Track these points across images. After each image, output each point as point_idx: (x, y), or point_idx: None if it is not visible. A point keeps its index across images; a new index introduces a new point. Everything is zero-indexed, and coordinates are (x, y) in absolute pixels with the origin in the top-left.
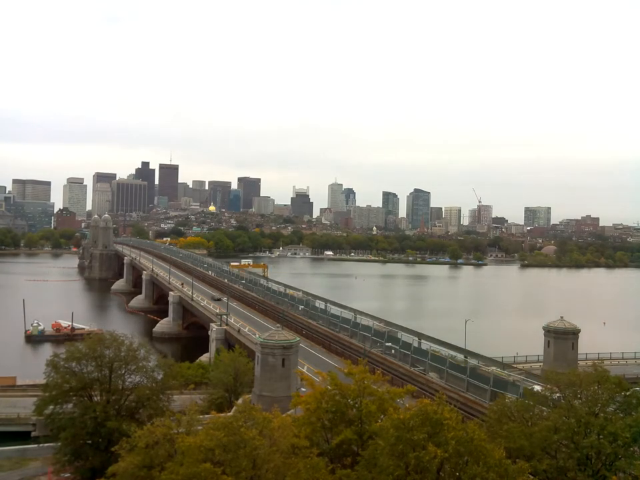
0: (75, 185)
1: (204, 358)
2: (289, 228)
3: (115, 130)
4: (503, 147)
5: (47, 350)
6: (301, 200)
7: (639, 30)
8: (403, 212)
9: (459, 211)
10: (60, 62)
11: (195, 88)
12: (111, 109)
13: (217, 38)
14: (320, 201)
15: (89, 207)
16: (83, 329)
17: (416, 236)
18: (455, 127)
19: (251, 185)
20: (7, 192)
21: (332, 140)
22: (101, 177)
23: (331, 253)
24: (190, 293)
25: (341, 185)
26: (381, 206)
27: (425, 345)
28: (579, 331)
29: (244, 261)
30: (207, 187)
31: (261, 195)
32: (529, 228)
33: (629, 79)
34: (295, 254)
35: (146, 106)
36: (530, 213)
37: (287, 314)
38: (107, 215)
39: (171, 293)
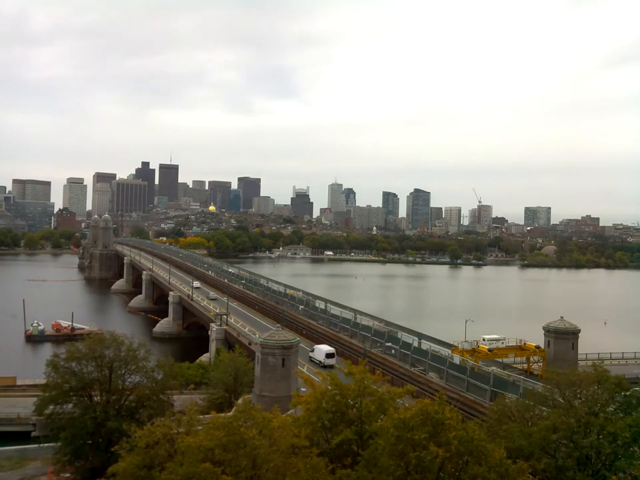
0: (75, 184)
1: (204, 358)
2: (289, 228)
3: (114, 130)
4: (503, 147)
5: (47, 350)
6: (301, 200)
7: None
8: (403, 212)
9: (459, 210)
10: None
11: (193, 86)
12: (111, 109)
13: (221, 36)
14: (320, 200)
15: (89, 207)
16: (83, 328)
17: (416, 236)
18: (454, 126)
19: (251, 185)
20: (7, 192)
21: (332, 140)
22: (100, 177)
23: (331, 253)
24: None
25: (341, 185)
26: (381, 206)
27: (425, 344)
28: (579, 330)
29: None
30: (207, 187)
31: (260, 195)
32: (529, 228)
33: (628, 78)
34: (295, 254)
35: (146, 105)
36: (530, 212)
37: (286, 314)
38: (107, 215)
39: (171, 292)
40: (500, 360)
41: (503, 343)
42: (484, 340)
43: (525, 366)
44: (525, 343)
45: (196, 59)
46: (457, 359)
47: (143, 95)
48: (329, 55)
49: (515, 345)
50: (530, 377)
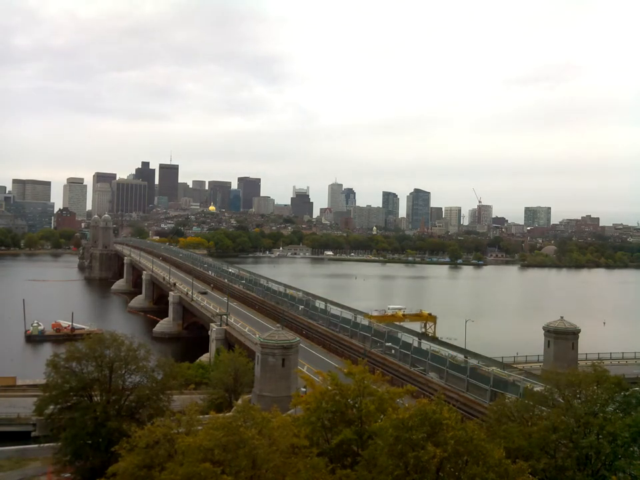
0: (75, 184)
1: (204, 358)
2: (289, 228)
3: (114, 131)
4: (503, 147)
5: (47, 350)
6: (301, 200)
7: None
8: (403, 212)
9: (459, 210)
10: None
11: (192, 86)
12: (109, 110)
13: (221, 37)
14: (320, 200)
15: (89, 207)
16: (83, 328)
17: (416, 236)
18: (454, 126)
19: (250, 185)
20: (7, 192)
21: (332, 140)
22: (100, 177)
23: (331, 253)
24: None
25: (341, 185)
26: (381, 206)
27: (425, 344)
28: (579, 330)
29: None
30: (207, 187)
31: (260, 195)
32: (529, 228)
33: (628, 75)
34: (295, 254)
35: (144, 106)
36: (530, 212)
37: (286, 314)
38: (107, 215)
39: (171, 293)
40: (399, 323)
41: (404, 312)
42: (389, 308)
43: (424, 330)
44: (421, 311)
45: (180, 70)
46: (365, 322)
47: (140, 97)
48: (327, 56)
49: (413, 314)
50: (425, 337)
